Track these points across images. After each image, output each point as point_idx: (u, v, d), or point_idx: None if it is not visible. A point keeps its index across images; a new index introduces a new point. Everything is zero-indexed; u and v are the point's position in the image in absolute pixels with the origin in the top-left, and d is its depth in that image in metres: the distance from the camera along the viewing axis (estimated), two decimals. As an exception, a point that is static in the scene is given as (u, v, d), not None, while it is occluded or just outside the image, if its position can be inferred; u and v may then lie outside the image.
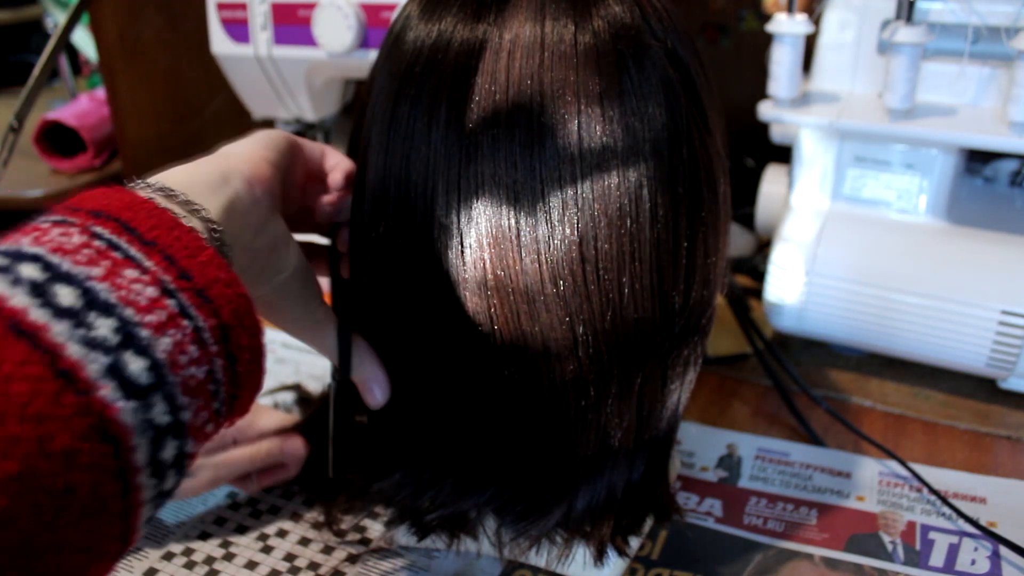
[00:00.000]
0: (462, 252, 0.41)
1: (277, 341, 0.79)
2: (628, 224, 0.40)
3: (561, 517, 0.46)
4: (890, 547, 0.53)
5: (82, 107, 1.08)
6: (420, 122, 0.41)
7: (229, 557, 0.53)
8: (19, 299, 0.23)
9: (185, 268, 0.26)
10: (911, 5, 0.61)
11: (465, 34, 0.40)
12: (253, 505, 0.58)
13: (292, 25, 0.80)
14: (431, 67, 0.41)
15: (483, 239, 0.40)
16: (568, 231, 0.40)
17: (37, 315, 0.23)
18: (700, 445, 0.63)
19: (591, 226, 0.40)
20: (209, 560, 0.53)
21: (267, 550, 0.54)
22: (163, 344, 0.25)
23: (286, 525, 0.56)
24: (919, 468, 0.59)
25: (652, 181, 0.40)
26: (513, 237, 0.40)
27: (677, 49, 0.42)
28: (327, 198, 0.47)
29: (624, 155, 0.40)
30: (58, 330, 0.23)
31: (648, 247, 0.41)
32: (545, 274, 0.40)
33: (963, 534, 0.54)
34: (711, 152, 0.44)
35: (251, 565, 0.53)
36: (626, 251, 0.40)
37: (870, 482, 0.59)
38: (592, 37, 0.40)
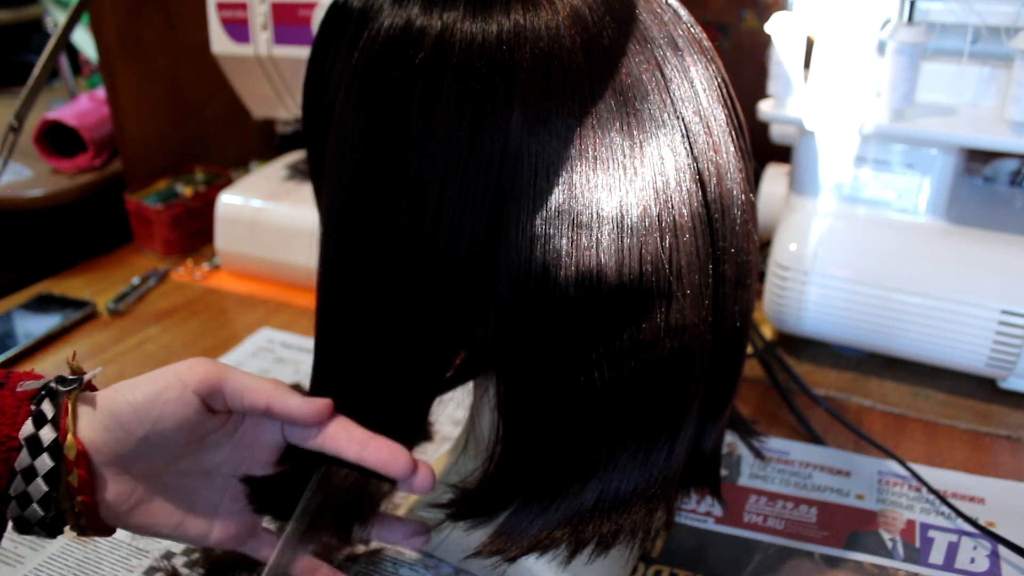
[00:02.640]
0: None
1: (277, 341, 0.79)
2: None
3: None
4: (890, 544, 0.53)
5: (82, 107, 1.07)
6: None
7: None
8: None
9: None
10: (911, 5, 0.61)
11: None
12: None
13: (292, 25, 0.80)
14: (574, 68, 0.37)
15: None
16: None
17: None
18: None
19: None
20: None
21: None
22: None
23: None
24: (919, 468, 0.59)
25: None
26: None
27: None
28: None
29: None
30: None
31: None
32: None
33: (962, 533, 0.54)
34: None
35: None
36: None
37: (869, 481, 0.59)
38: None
